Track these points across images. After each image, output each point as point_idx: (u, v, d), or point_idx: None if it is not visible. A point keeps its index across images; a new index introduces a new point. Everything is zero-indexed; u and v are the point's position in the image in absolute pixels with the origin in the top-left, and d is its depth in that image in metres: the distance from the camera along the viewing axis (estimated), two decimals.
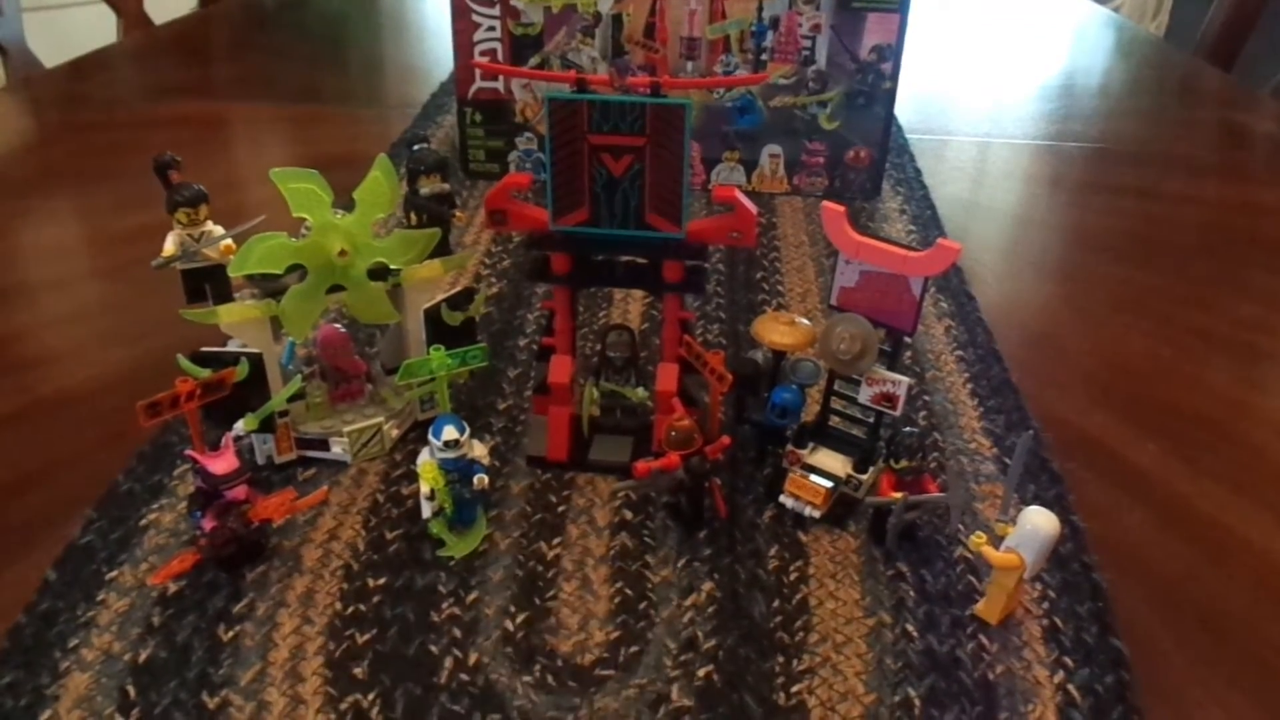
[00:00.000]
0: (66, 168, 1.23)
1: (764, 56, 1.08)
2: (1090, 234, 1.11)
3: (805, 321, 0.67)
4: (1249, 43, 1.91)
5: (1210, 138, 1.53)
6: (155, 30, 1.98)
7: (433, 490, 0.59)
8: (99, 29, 2.03)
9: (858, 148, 1.12)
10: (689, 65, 1.09)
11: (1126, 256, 1.05)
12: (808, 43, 1.07)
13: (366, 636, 0.54)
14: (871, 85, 1.08)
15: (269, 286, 0.62)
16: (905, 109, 1.13)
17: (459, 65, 1.11)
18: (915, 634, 0.56)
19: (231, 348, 0.63)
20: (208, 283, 0.64)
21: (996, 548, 0.55)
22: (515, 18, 1.08)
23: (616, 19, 1.08)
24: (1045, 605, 0.58)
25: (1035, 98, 1.64)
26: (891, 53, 1.06)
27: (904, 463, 0.60)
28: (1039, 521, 0.54)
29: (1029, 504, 0.55)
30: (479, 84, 1.12)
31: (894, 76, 1.07)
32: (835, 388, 0.66)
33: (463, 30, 1.09)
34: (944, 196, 1.15)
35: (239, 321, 0.60)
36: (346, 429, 0.66)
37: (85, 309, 0.90)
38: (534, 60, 1.09)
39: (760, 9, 1.06)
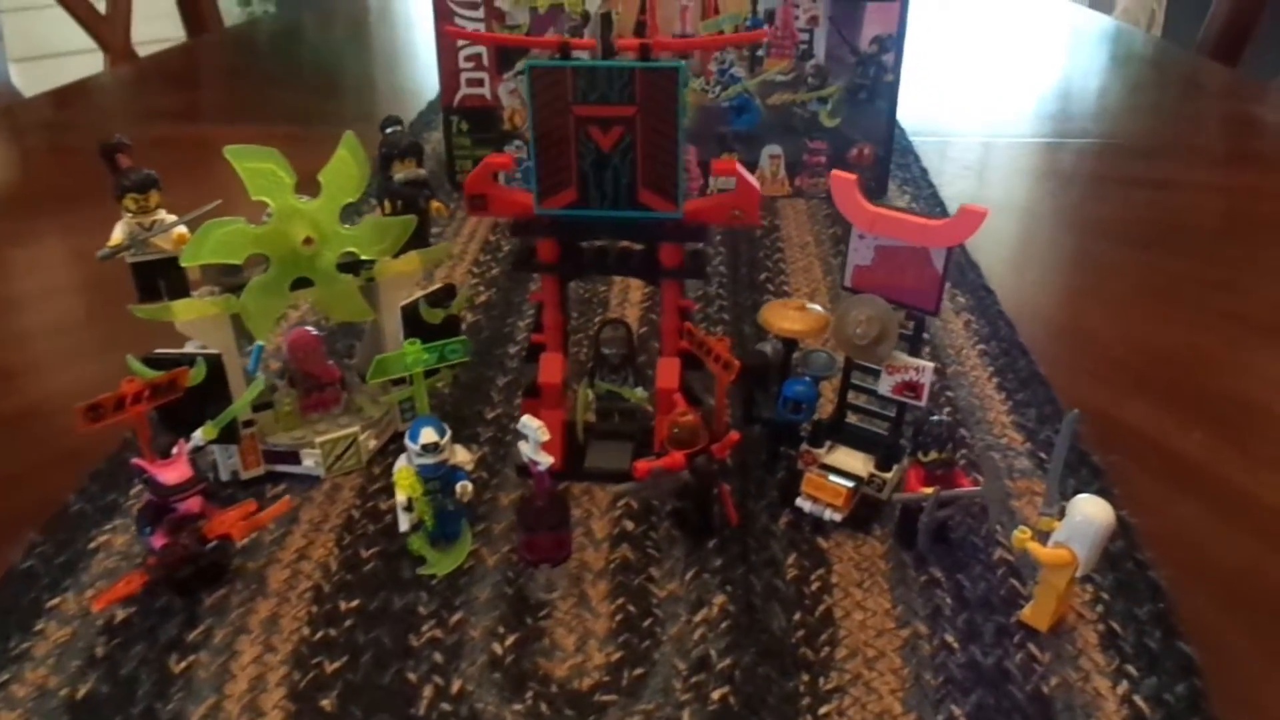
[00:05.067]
0: (46, 189, 1.18)
1: (760, 53, 1.04)
2: (1108, 225, 1.06)
3: (817, 308, 0.61)
4: (1250, 47, 1.88)
5: (1221, 128, 1.48)
6: (141, 62, 1.94)
7: (410, 500, 0.53)
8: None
9: (861, 145, 1.07)
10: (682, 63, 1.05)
11: (1148, 245, 1.00)
12: (805, 36, 1.02)
13: (336, 664, 0.48)
14: (873, 78, 1.03)
15: (230, 281, 0.56)
16: (906, 111, 1.09)
17: (443, 72, 1.07)
18: (956, 645, 0.49)
19: (190, 349, 0.57)
20: (161, 278, 0.58)
21: (1042, 544, 0.49)
22: (500, 20, 1.03)
23: (605, 18, 1.03)
24: (1099, 608, 0.52)
25: (1037, 100, 1.60)
26: (893, 43, 1.01)
27: (933, 455, 0.54)
28: (1090, 511, 0.48)
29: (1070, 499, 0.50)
30: (465, 90, 1.07)
31: (896, 69, 1.02)
32: (852, 379, 0.60)
33: (446, 35, 1.04)
34: (952, 195, 1.10)
35: (196, 319, 0.55)
36: (319, 440, 0.61)
37: (50, 325, 0.85)
38: (521, 63, 1.04)
39: (755, 2, 1.01)
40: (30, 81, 1.75)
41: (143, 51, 1.98)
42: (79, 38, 1.89)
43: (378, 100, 1.71)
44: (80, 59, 2.08)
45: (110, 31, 1.88)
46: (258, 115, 1.50)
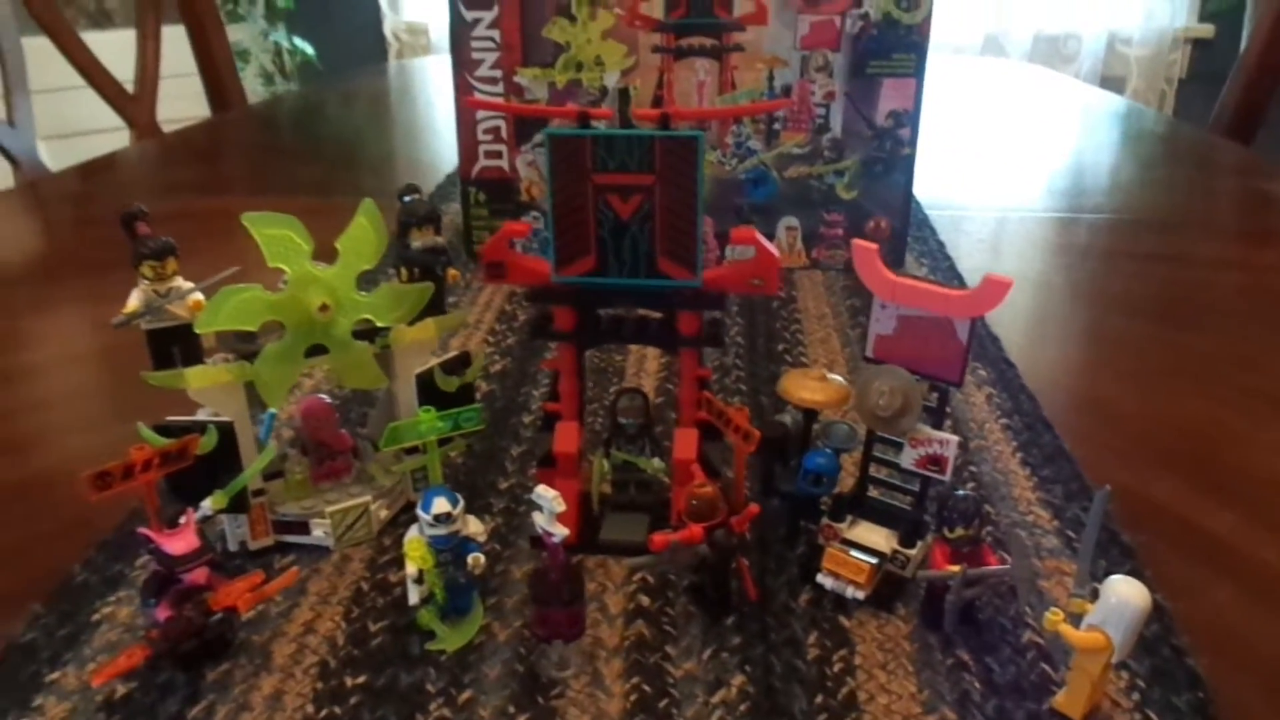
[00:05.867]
0: (68, 259, 1.20)
1: (776, 126, 1.04)
2: (1127, 300, 1.05)
3: (838, 378, 0.60)
4: (1264, 129, 1.88)
5: (1237, 205, 1.48)
6: (165, 137, 1.98)
7: (420, 572, 0.51)
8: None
9: (878, 218, 1.07)
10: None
11: (1169, 321, 0.99)
12: (821, 111, 1.03)
13: None
14: (889, 152, 1.04)
15: (244, 348, 0.56)
16: (921, 186, 1.09)
17: (462, 144, 1.08)
18: None
19: (202, 417, 0.57)
20: (176, 345, 0.58)
21: (1075, 627, 0.47)
22: (519, 94, 1.05)
23: (623, 93, 1.04)
24: (1135, 696, 0.50)
25: (1050, 175, 1.60)
26: (909, 118, 1.02)
27: (959, 531, 0.53)
28: (1126, 593, 0.46)
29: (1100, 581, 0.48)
30: (483, 162, 1.08)
31: (913, 142, 1.03)
32: (874, 452, 0.59)
33: (466, 108, 1.06)
34: (969, 269, 1.10)
35: (209, 387, 0.54)
36: (329, 510, 0.60)
37: (63, 393, 0.84)
38: (539, 135, 1.05)
39: (771, 78, 1.02)
40: (59, 159, 1.79)
41: (170, 130, 2.02)
42: (107, 116, 1.94)
43: (397, 173, 1.73)
44: (107, 136, 2.12)
45: (137, 110, 1.92)
46: (279, 188, 1.52)
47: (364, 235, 0.55)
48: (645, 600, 0.56)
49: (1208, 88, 2.32)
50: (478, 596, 0.54)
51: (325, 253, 0.56)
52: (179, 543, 0.49)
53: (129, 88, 1.92)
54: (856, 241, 0.55)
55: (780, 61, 1.01)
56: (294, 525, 0.60)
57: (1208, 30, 3.42)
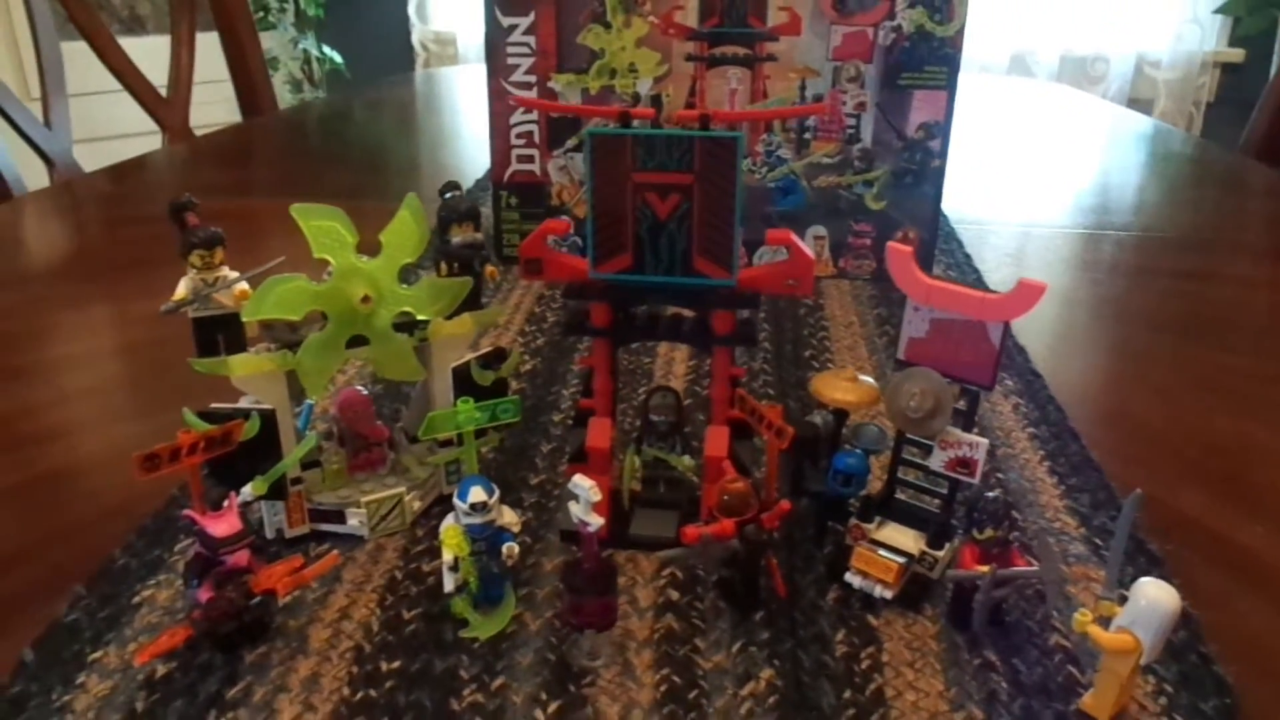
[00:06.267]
0: (98, 257, 1.22)
1: (807, 136, 1.05)
2: (1156, 315, 1.05)
3: (869, 379, 0.61)
4: None
5: (1267, 225, 1.48)
6: (196, 140, 2.01)
7: (456, 559, 0.52)
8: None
9: (906, 229, 1.07)
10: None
11: (1199, 336, 0.99)
12: (852, 121, 1.04)
13: None
14: (919, 163, 1.04)
15: (287, 338, 0.57)
16: (947, 198, 1.09)
17: (495, 149, 1.09)
18: None
19: (244, 405, 0.58)
20: (221, 333, 0.59)
21: (1103, 629, 0.47)
22: (553, 99, 1.06)
23: (656, 99, 1.06)
24: (1163, 701, 0.50)
25: (1076, 192, 1.60)
26: (940, 130, 1.03)
27: (989, 532, 0.53)
28: (1155, 595, 0.46)
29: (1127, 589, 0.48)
30: (515, 167, 1.10)
31: (943, 154, 1.04)
32: (903, 454, 0.59)
33: (499, 113, 1.07)
34: (996, 281, 1.10)
35: (252, 374, 0.55)
36: (364, 499, 0.61)
37: (98, 386, 0.86)
38: (572, 141, 1.07)
39: (802, 87, 1.03)
40: (92, 161, 1.82)
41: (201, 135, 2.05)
42: (139, 121, 1.97)
43: (423, 178, 1.75)
44: (140, 140, 2.15)
45: (170, 114, 1.95)
46: (307, 191, 1.54)
47: (407, 229, 0.56)
48: (675, 594, 0.57)
49: (1235, 112, 2.31)
50: (510, 587, 0.55)
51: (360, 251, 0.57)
52: (222, 525, 0.50)
53: (162, 93, 1.95)
54: (891, 245, 0.55)
55: (812, 72, 1.02)
56: (330, 514, 0.61)
57: (1238, 55, 3.40)
